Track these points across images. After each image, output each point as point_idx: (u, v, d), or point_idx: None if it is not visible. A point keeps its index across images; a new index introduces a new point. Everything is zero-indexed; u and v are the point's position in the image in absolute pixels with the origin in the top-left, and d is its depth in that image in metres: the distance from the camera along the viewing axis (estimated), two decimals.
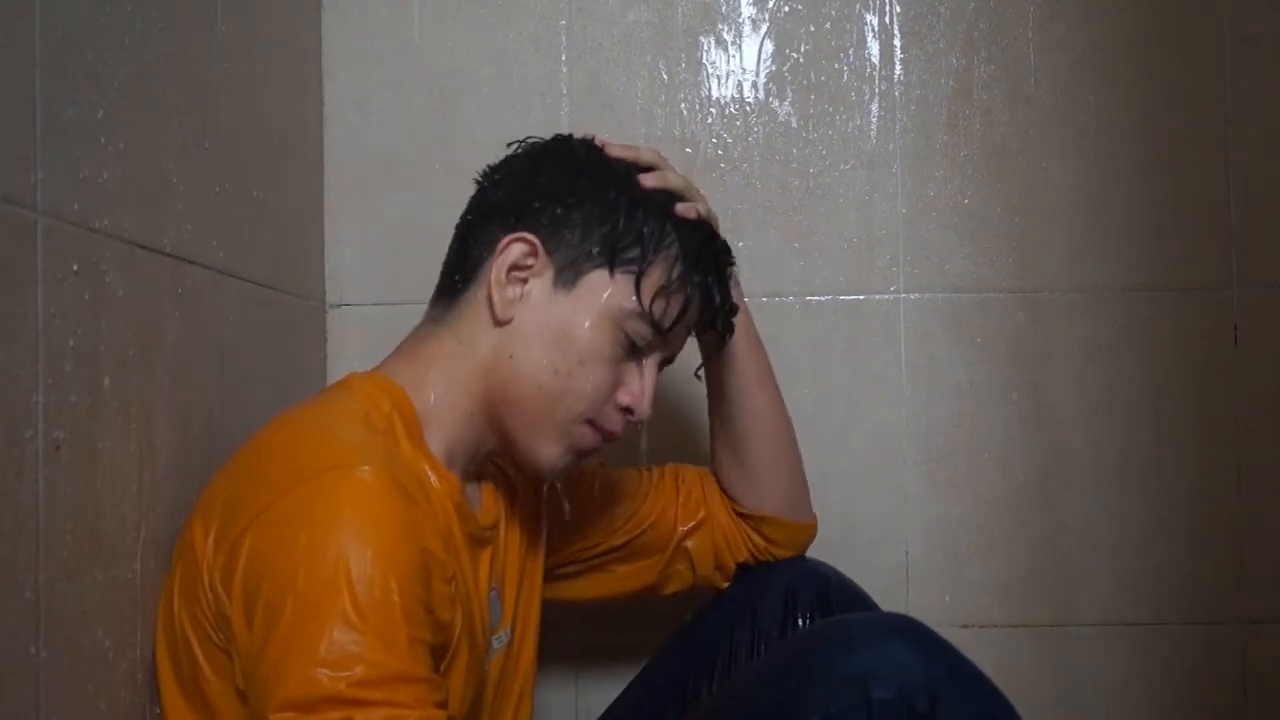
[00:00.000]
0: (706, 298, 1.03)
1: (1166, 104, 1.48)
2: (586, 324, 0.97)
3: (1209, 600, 1.46)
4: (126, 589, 0.87)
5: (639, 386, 1.01)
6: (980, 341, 1.48)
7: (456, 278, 1.01)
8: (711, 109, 1.49)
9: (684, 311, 1.01)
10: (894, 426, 1.48)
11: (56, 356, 0.77)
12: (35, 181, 0.75)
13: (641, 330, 0.99)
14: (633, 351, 1.00)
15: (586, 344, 0.97)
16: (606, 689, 1.30)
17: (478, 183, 1.06)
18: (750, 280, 1.47)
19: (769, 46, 1.50)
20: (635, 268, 0.98)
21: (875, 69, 1.49)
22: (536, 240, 0.98)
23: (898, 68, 1.50)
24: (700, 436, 1.36)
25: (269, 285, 1.22)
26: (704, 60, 1.49)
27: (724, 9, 1.50)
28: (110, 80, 0.86)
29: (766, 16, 1.50)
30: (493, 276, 0.98)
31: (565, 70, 1.49)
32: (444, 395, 0.98)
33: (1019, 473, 1.48)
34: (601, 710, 1.28)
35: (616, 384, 1.00)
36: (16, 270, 0.73)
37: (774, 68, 1.50)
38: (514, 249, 0.98)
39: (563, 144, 1.05)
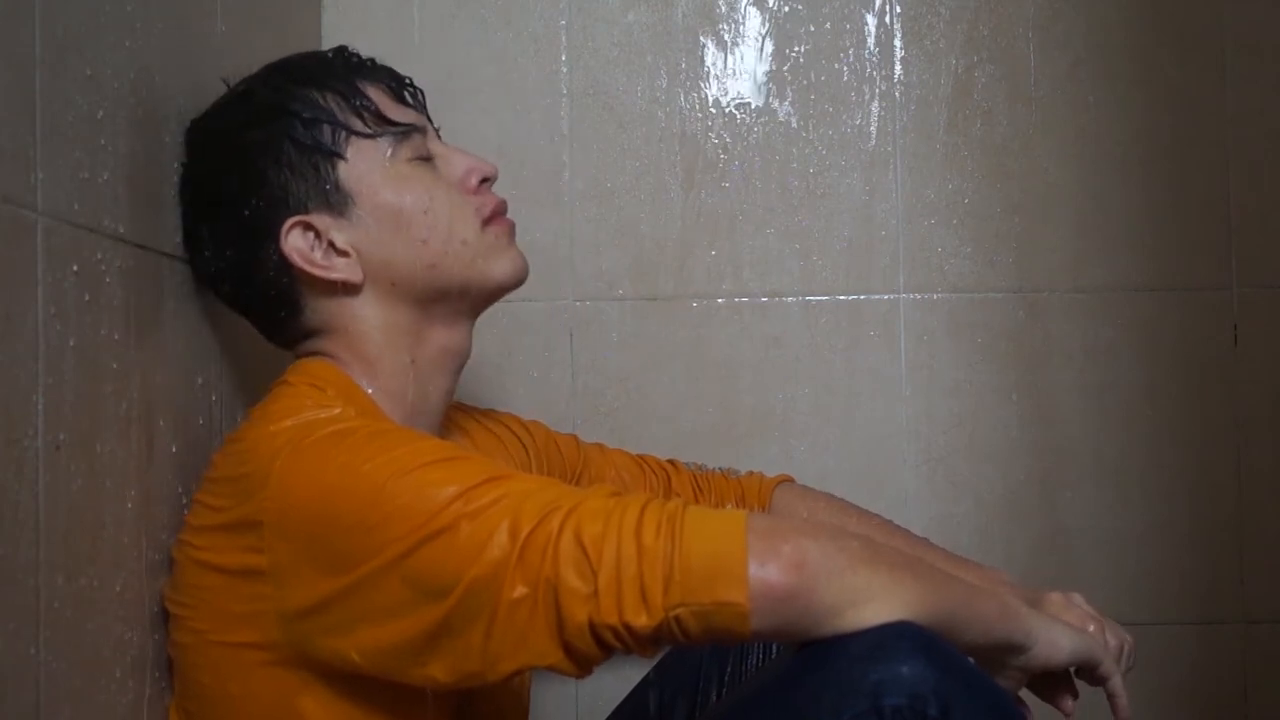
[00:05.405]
0: (364, 72, 1.00)
1: (1166, 104, 1.48)
2: (390, 196, 0.96)
3: (1209, 600, 1.46)
4: (126, 589, 0.87)
5: (460, 162, 1.01)
6: (980, 341, 1.48)
7: (282, 313, 0.98)
8: (711, 109, 1.49)
9: (379, 97, 0.99)
10: (894, 426, 1.48)
11: (56, 356, 0.77)
12: (35, 181, 0.75)
13: (408, 145, 0.98)
14: (428, 159, 1.00)
15: (409, 202, 0.97)
16: (607, 689, 1.30)
17: (192, 239, 0.99)
18: (750, 280, 1.48)
19: (769, 46, 1.50)
20: (344, 133, 0.96)
21: (875, 69, 1.49)
22: (293, 217, 0.95)
23: (898, 68, 1.50)
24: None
25: None
26: (704, 60, 1.49)
27: (724, 9, 1.50)
28: (110, 80, 0.86)
29: (766, 16, 1.50)
30: (312, 274, 0.95)
31: (565, 70, 1.49)
32: (375, 370, 0.97)
33: (1019, 473, 1.48)
34: (601, 710, 1.28)
35: (455, 182, 1.00)
36: (16, 270, 0.73)
37: (774, 68, 1.50)
38: (294, 240, 0.95)
39: (202, 136, 1.00)
